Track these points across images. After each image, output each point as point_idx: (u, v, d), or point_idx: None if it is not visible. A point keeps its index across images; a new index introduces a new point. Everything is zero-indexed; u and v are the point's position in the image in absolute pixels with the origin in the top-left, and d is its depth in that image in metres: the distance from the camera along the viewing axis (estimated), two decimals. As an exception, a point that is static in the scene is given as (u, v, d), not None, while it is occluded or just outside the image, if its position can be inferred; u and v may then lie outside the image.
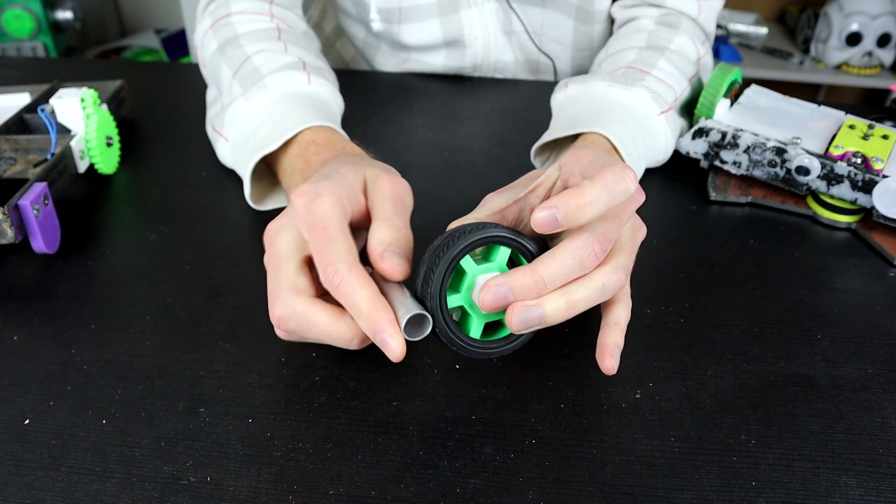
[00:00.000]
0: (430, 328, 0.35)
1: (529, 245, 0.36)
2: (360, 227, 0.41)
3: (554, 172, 0.37)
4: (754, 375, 0.43)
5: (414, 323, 0.35)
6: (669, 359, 0.43)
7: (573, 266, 0.34)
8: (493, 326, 0.38)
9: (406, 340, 0.34)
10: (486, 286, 0.34)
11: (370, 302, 0.34)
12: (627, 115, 0.55)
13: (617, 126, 0.53)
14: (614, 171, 0.34)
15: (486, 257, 0.37)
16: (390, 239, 0.37)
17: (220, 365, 0.42)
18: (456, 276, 0.37)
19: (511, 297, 0.34)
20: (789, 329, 0.46)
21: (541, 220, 0.33)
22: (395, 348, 0.34)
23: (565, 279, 0.35)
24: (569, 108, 0.59)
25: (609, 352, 0.37)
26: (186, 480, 0.36)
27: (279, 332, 0.40)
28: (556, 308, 0.35)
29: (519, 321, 0.34)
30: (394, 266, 0.36)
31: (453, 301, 0.36)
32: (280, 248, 0.38)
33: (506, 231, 0.36)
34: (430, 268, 0.35)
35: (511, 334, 0.37)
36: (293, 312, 0.37)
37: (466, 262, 0.36)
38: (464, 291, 0.36)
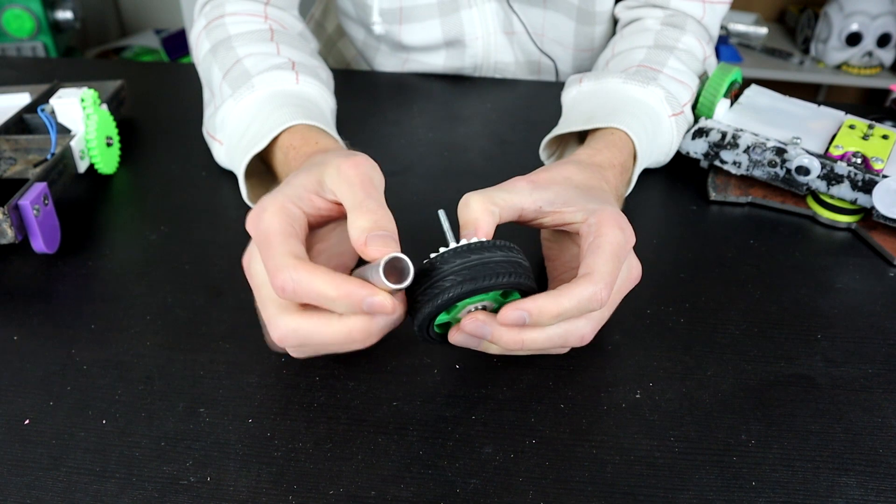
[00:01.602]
0: (411, 275, 0.33)
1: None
2: (328, 222, 0.41)
3: (581, 220, 0.40)
4: (754, 375, 0.43)
5: (394, 271, 0.33)
6: (669, 359, 0.43)
7: (555, 342, 0.37)
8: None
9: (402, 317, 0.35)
10: (472, 315, 0.35)
11: (333, 284, 0.33)
12: (643, 112, 0.55)
13: (635, 122, 0.54)
14: (593, 292, 0.36)
15: None
16: (368, 225, 0.35)
17: (220, 365, 0.42)
18: None
19: (488, 337, 0.36)
20: (789, 329, 0.46)
21: (510, 320, 0.35)
22: (383, 303, 0.33)
23: (542, 347, 0.37)
24: (583, 103, 0.59)
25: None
26: (186, 480, 0.36)
27: (292, 353, 0.39)
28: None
29: (461, 339, 0.37)
30: (380, 249, 0.34)
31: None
32: (256, 274, 0.38)
33: (531, 281, 0.37)
34: (458, 281, 0.34)
35: (441, 333, 0.39)
36: (287, 329, 0.36)
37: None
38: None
